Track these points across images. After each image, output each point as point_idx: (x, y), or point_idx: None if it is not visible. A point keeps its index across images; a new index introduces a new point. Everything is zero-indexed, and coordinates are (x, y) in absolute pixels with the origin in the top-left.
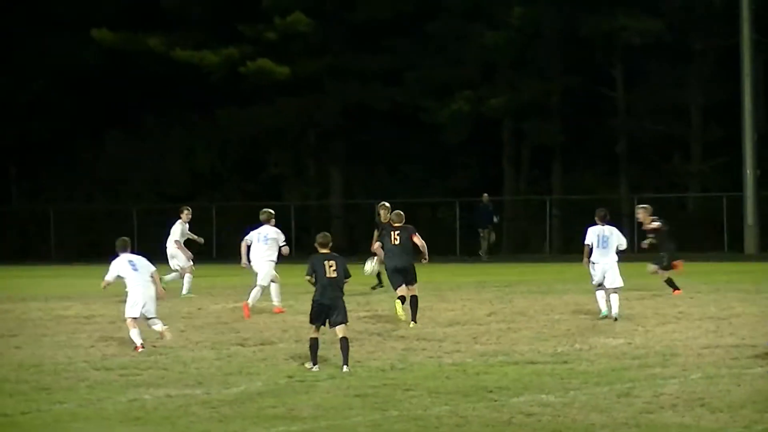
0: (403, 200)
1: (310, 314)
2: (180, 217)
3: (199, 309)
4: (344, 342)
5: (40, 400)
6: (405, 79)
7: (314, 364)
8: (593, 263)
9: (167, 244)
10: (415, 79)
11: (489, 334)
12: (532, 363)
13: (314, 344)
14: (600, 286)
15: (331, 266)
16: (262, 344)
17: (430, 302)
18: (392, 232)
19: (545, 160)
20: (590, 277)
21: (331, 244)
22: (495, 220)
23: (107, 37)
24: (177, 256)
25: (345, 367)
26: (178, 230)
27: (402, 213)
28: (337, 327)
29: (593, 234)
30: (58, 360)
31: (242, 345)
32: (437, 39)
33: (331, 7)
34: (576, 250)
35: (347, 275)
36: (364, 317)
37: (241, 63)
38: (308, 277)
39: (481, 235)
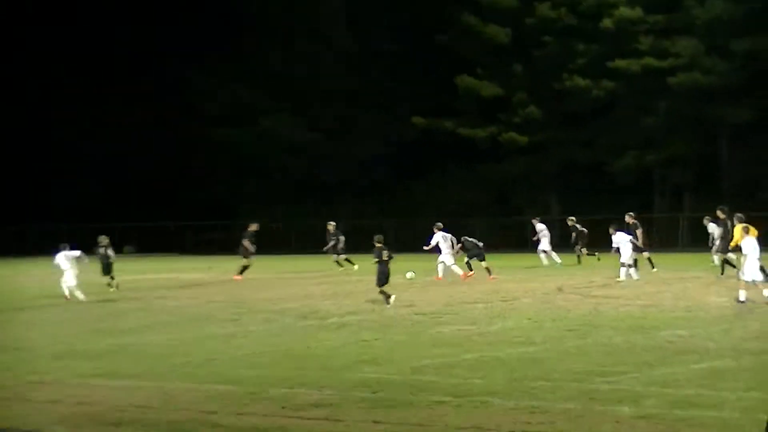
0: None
1: None
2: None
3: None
4: None
5: None
6: (595, 144)
7: None
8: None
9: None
10: (603, 144)
11: None
12: None
13: None
14: None
15: None
16: None
17: None
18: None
19: None
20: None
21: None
22: None
23: (421, 122)
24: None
25: None
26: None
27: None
28: None
29: None
30: None
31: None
32: (611, 125)
33: (551, 101)
34: None
35: None
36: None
37: (498, 135)
38: None
39: None
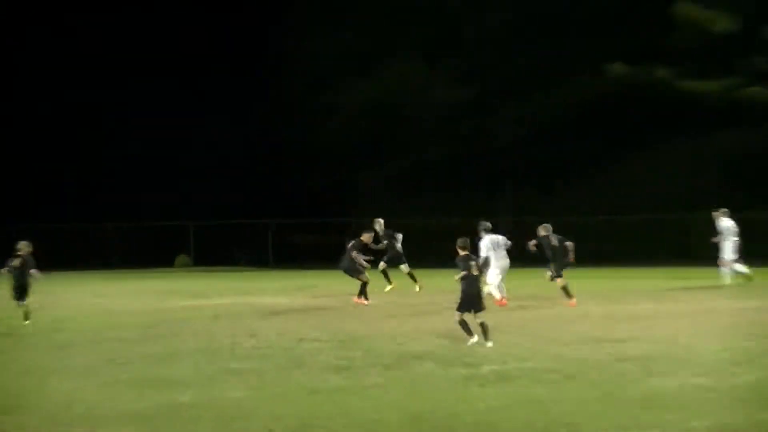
0: None
1: None
2: None
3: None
4: None
5: None
6: None
7: None
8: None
9: None
10: None
11: None
12: None
13: None
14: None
15: None
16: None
17: None
18: None
19: None
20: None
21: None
22: None
23: (621, 71)
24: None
25: None
26: None
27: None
28: None
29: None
30: None
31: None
32: None
33: None
34: None
35: None
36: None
37: (735, 90)
38: None
39: None
